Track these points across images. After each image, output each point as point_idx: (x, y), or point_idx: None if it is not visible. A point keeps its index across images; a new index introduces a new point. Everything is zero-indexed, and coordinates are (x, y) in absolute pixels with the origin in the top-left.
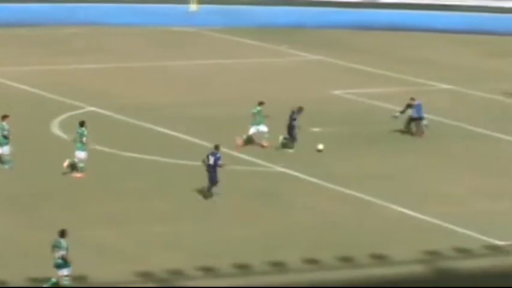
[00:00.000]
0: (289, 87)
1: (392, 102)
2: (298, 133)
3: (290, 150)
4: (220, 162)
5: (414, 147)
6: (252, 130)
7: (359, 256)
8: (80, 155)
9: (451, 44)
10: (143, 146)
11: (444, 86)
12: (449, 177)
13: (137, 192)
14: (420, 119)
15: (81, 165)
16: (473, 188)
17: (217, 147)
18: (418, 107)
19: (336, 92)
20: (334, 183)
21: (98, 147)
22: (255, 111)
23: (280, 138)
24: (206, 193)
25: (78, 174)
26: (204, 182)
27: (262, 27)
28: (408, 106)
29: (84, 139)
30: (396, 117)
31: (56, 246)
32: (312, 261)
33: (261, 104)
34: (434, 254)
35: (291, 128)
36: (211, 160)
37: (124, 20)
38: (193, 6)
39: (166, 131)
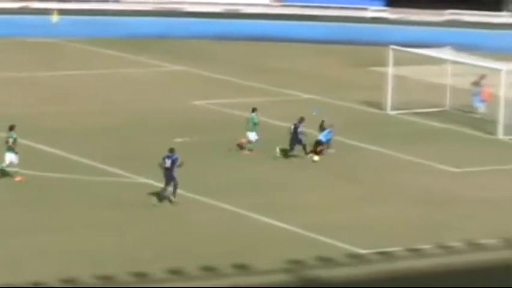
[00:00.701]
0: (151, 98)
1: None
2: (305, 140)
3: (311, 156)
4: (178, 163)
5: (279, 158)
6: (251, 136)
7: (223, 266)
8: (8, 158)
9: (312, 54)
10: (3, 157)
11: (307, 95)
12: (313, 187)
13: None
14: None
15: (15, 167)
16: (337, 198)
17: (172, 150)
18: (330, 132)
19: (198, 102)
20: (198, 194)
21: None
22: (250, 118)
23: (277, 149)
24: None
25: (18, 178)
26: (67, 193)
27: (125, 37)
28: (322, 128)
29: (11, 141)
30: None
31: None
32: (177, 272)
33: (254, 110)
34: (298, 263)
35: (295, 139)
36: (168, 163)
37: None
38: (55, 17)
39: (25, 142)
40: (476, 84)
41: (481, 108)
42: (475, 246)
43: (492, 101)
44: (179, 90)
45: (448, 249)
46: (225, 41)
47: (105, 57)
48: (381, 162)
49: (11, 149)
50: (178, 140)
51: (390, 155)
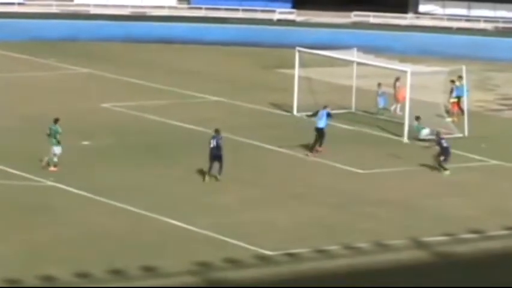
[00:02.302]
0: (59, 101)
1: (163, 115)
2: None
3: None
4: (221, 141)
5: (183, 160)
6: (425, 132)
7: (129, 269)
8: (56, 150)
9: (220, 56)
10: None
11: (215, 98)
12: (217, 188)
13: None
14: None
15: (55, 159)
16: (242, 199)
17: (217, 131)
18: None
19: (105, 105)
20: (104, 197)
21: None
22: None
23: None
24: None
25: (53, 168)
26: None
27: (32, 40)
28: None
29: (58, 136)
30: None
31: None
32: (83, 275)
33: (417, 118)
34: (204, 265)
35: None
36: (213, 143)
37: None
38: None
39: None
40: (380, 86)
41: (387, 109)
42: (381, 247)
43: (404, 102)
44: (87, 93)
45: (355, 250)
46: (132, 43)
47: (12, 60)
48: (287, 163)
49: (56, 141)
50: (85, 142)
51: (296, 157)
